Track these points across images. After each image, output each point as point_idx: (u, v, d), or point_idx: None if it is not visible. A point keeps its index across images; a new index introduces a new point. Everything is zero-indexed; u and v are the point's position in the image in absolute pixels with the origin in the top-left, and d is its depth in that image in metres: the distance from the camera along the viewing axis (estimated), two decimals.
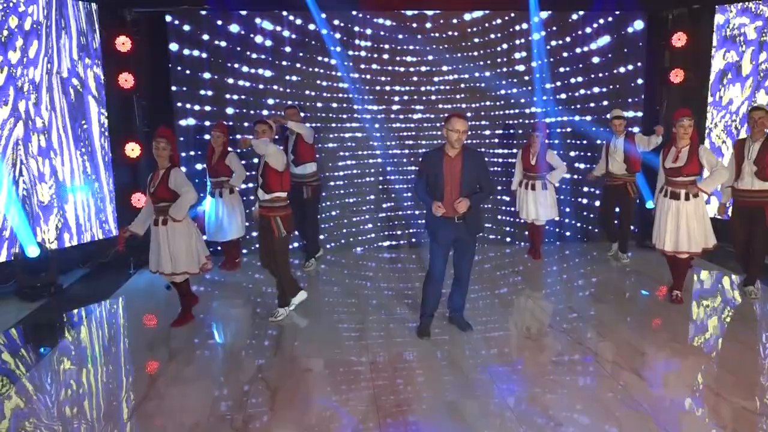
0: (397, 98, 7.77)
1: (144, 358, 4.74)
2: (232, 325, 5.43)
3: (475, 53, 7.77)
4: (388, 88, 7.73)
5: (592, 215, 8.03)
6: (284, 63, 7.46)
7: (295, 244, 7.49)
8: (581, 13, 7.72)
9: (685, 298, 5.71)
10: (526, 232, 7.64)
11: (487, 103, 7.92)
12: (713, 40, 7.74)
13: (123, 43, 6.88)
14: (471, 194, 4.68)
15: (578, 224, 8.16)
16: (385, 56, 7.66)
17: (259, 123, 5.39)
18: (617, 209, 7.21)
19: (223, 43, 7.30)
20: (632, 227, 7.49)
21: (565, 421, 3.63)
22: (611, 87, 7.87)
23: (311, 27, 7.42)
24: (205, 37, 7.25)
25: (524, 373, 4.33)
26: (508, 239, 8.14)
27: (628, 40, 7.79)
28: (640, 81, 7.87)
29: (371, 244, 8.01)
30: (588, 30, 7.77)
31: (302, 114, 7.07)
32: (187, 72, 7.27)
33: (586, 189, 8.03)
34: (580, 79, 7.86)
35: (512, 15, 7.70)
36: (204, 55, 7.29)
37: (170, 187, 4.96)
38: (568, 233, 8.16)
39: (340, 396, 4.03)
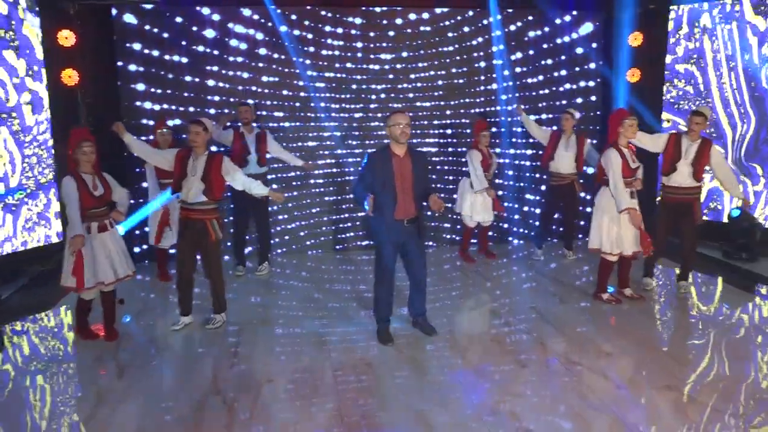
0: (365, 96, 7.64)
1: (91, 372, 4.45)
2: (184, 336, 5.14)
3: (448, 49, 7.70)
4: (355, 86, 7.60)
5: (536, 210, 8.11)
6: (238, 59, 7.20)
7: (250, 248, 7.26)
8: (538, 13, 7.72)
9: (646, 295, 5.78)
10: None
11: (467, 100, 7.85)
12: (668, 40, 7.86)
13: (66, 38, 6.50)
14: (421, 194, 4.62)
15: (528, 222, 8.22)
16: (359, 54, 7.55)
17: (193, 123, 4.97)
18: (560, 208, 7.24)
19: (173, 38, 6.98)
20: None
21: (536, 429, 3.53)
22: (568, 87, 7.90)
23: (268, 23, 7.20)
24: (155, 30, 6.92)
25: (491, 378, 4.23)
26: (457, 238, 8.02)
27: (584, 40, 7.83)
28: (592, 83, 7.94)
29: (325, 247, 7.83)
30: (546, 29, 7.78)
31: (258, 112, 6.83)
32: (135, 68, 6.93)
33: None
34: (539, 78, 7.87)
35: (470, 13, 7.64)
36: (154, 52, 6.96)
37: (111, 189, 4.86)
38: (521, 231, 8.19)
39: (302, 408, 3.84)
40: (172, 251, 6.81)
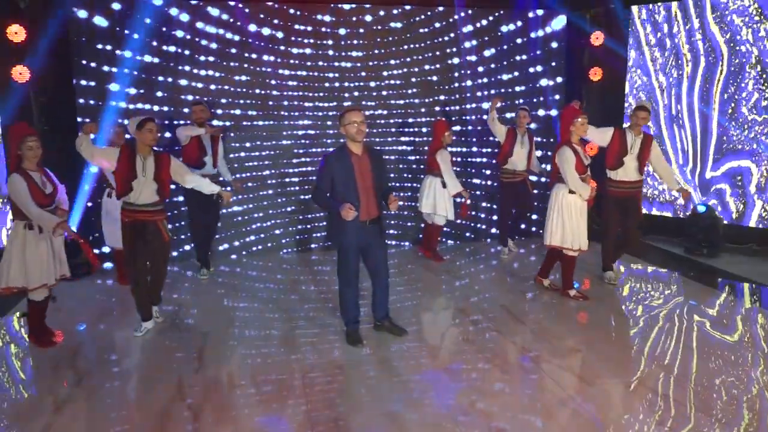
0: (339, 94, 7.57)
1: (48, 381, 4.24)
2: (144, 342, 4.94)
3: (419, 45, 7.69)
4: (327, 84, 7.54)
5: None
6: (203, 58, 7.03)
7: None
8: (503, 11, 7.75)
9: (608, 291, 5.86)
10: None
11: (441, 97, 7.83)
12: (630, 38, 7.99)
13: (16, 33, 6.21)
14: (381, 193, 4.57)
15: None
16: (330, 52, 7.47)
17: (149, 121, 4.73)
18: (514, 205, 7.32)
19: (134, 35, 6.76)
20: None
21: (509, 428, 3.51)
22: (532, 85, 7.96)
23: (237, 22, 7.06)
24: (109, 25, 6.68)
25: (463, 378, 4.19)
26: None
27: (548, 39, 7.90)
28: (559, 79, 8.01)
29: (286, 248, 7.72)
30: (511, 27, 7.81)
31: (211, 110, 6.65)
32: (91, 64, 6.69)
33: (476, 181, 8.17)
34: (503, 77, 7.91)
35: (439, 9, 7.63)
36: (109, 47, 6.73)
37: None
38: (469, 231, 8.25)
39: (271, 413, 3.73)
40: None
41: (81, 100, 6.72)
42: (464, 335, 4.95)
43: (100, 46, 6.68)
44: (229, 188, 6.30)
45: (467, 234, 8.19)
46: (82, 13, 6.60)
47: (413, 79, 7.73)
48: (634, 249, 6.28)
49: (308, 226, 7.76)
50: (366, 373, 4.28)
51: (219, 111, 7.16)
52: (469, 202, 6.91)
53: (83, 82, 6.71)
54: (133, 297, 5.03)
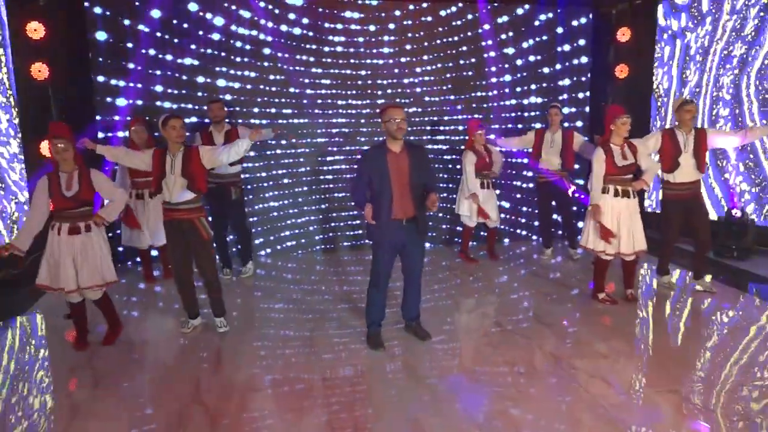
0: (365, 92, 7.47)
1: (65, 383, 4.18)
2: (162, 342, 4.87)
3: (451, 39, 7.55)
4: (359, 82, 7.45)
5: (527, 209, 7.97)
6: (209, 51, 6.94)
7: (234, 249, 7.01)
8: (528, 6, 7.58)
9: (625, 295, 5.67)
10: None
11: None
12: (656, 34, 7.78)
13: (35, 30, 6.18)
14: (421, 192, 4.41)
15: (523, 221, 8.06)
16: (361, 49, 7.40)
17: (174, 117, 4.70)
18: (552, 206, 7.13)
19: (152, 30, 6.71)
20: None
21: None
22: (558, 83, 7.79)
23: (246, 14, 6.98)
24: (128, 22, 6.63)
25: (489, 384, 4.05)
26: (456, 239, 7.89)
27: (574, 36, 7.73)
28: (581, 79, 7.85)
29: (309, 247, 7.63)
30: (536, 23, 7.64)
31: (227, 108, 6.57)
32: (110, 62, 6.64)
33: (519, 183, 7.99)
34: (526, 74, 7.74)
35: (459, 5, 7.49)
36: (129, 44, 6.68)
37: (95, 189, 4.53)
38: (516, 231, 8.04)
39: (290, 418, 3.62)
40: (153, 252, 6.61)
41: (98, 98, 6.67)
42: (491, 340, 4.80)
43: (113, 40, 6.62)
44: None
45: (505, 238, 8.03)
46: (98, 10, 6.55)
47: (447, 75, 7.56)
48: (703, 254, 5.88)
49: (341, 224, 7.68)
50: (389, 378, 4.16)
51: (255, 110, 7.16)
52: (492, 202, 6.79)
53: (101, 79, 6.67)
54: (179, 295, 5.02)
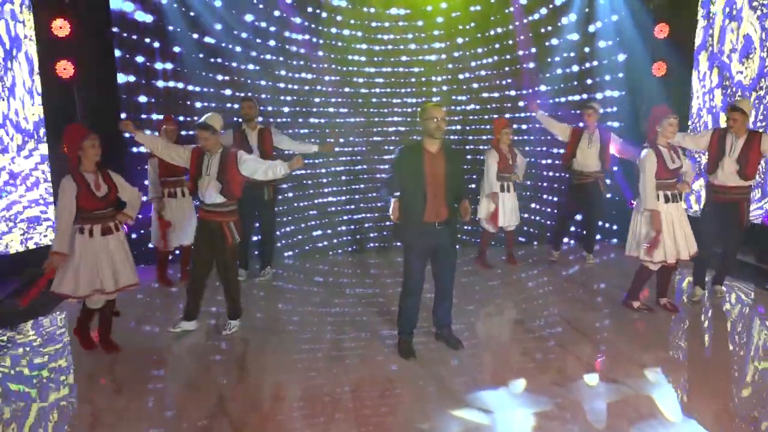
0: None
1: (86, 389, 4.06)
2: (185, 348, 4.72)
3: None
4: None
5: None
6: (238, 49, 6.84)
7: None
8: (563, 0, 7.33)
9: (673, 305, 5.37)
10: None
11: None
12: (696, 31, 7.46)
13: (61, 27, 6.10)
14: (454, 195, 4.23)
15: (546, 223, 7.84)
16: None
17: (200, 129, 4.57)
18: (582, 209, 6.87)
19: (177, 29, 6.61)
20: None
21: None
22: (593, 79, 7.53)
23: (276, 13, 6.87)
24: (152, 20, 6.53)
25: (524, 397, 3.84)
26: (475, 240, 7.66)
27: (611, 31, 7.44)
28: (620, 74, 7.57)
29: (335, 249, 7.47)
30: (572, 18, 7.38)
31: (260, 107, 6.44)
32: (136, 59, 6.55)
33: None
34: (559, 71, 7.49)
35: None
36: (156, 43, 6.58)
37: (118, 189, 4.45)
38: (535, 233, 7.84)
39: (317, 430, 3.46)
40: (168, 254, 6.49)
41: (124, 96, 6.59)
42: (524, 349, 4.58)
43: (138, 38, 6.54)
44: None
45: (534, 241, 7.82)
46: (128, 6, 6.46)
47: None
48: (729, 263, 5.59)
49: (369, 225, 7.56)
50: (419, 389, 3.97)
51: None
52: (511, 203, 6.59)
53: (126, 77, 6.58)
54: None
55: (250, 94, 6.70)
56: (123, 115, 6.56)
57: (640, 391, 3.86)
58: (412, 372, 4.20)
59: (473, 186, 6.88)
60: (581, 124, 6.61)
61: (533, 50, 7.37)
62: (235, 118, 6.46)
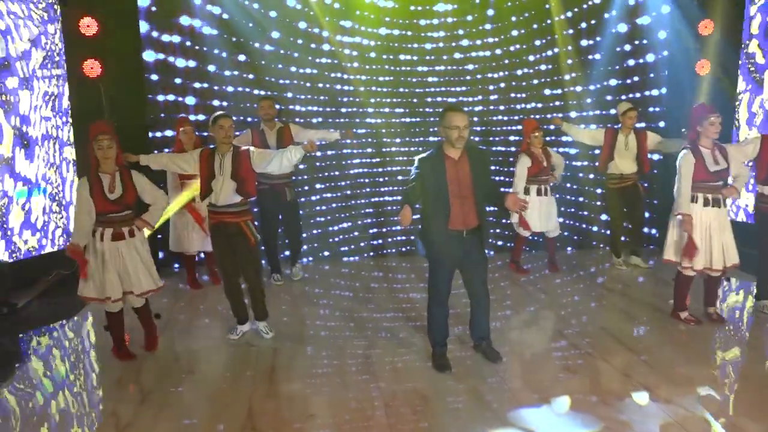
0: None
1: (111, 397, 3.93)
2: (212, 357, 4.57)
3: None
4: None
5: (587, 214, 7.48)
6: (269, 48, 6.71)
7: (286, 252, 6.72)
8: None
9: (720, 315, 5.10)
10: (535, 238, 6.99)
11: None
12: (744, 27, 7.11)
13: (88, 26, 6.02)
14: (484, 200, 4.02)
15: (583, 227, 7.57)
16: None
17: (223, 117, 4.51)
18: (623, 213, 6.58)
19: (206, 28, 6.50)
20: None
21: None
22: (633, 79, 7.24)
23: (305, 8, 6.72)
24: (183, 20, 6.42)
25: (569, 417, 3.61)
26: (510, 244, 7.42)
27: (652, 28, 7.13)
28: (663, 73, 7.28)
29: (359, 253, 7.30)
30: (613, 13, 7.07)
31: (278, 106, 6.28)
32: (163, 59, 6.44)
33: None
34: (599, 70, 7.20)
35: None
36: (188, 42, 6.47)
37: (138, 191, 4.29)
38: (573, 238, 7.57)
39: None
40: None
41: (149, 96, 6.50)
42: (566, 364, 4.34)
43: (166, 37, 6.43)
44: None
45: (569, 245, 7.55)
46: (157, 5, 6.36)
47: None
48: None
49: (392, 229, 7.38)
50: (455, 406, 3.77)
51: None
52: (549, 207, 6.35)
53: (153, 77, 6.48)
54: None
55: (273, 93, 6.59)
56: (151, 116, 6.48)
57: (694, 411, 3.61)
58: (448, 386, 4.00)
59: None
60: (616, 126, 6.33)
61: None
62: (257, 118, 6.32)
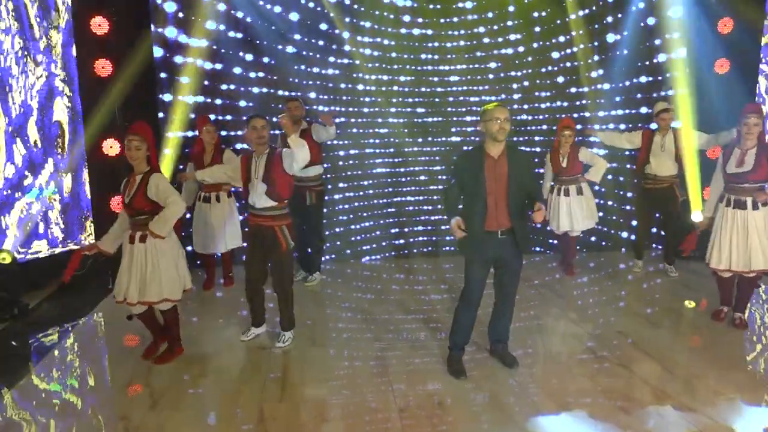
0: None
1: (121, 401, 3.87)
2: (225, 359, 4.50)
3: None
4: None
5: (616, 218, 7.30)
6: (292, 50, 6.63)
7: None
8: None
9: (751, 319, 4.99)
10: (554, 242, 6.89)
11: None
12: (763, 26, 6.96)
13: (99, 25, 5.97)
14: (521, 201, 3.90)
15: (606, 230, 7.40)
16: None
17: (257, 118, 4.50)
18: (655, 216, 6.45)
19: (219, 27, 6.44)
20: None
21: None
22: (652, 78, 7.09)
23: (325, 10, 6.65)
24: (194, 18, 6.34)
25: (589, 425, 3.51)
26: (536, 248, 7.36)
27: (670, 26, 6.98)
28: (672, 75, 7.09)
29: (379, 253, 7.21)
30: (640, 6, 6.91)
31: (306, 107, 6.21)
32: (175, 58, 6.38)
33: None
34: (614, 68, 7.07)
35: None
36: (203, 41, 6.40)
37: (150, 196, 4.09)
38: (593, 239, 7.40)
39: None
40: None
41: (160, 95, 6.45)
42: (585, 369, 4.23)
43: (178, 36, 6.37)
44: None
45: (594, 248, 7.41)
46: (169, 6, 6.30)
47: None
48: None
49: (416, 229, 7.30)
50: (473, 413, 3.67)
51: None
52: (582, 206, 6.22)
53: (165, 76, 6.44)
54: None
55: (298, 94, 6.53)
56: (161, 115, 6.42)
57: (718, 421, 3.51)
58: (464, 392, 3.90)
59: None
60: (653, 126, 6.19)
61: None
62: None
